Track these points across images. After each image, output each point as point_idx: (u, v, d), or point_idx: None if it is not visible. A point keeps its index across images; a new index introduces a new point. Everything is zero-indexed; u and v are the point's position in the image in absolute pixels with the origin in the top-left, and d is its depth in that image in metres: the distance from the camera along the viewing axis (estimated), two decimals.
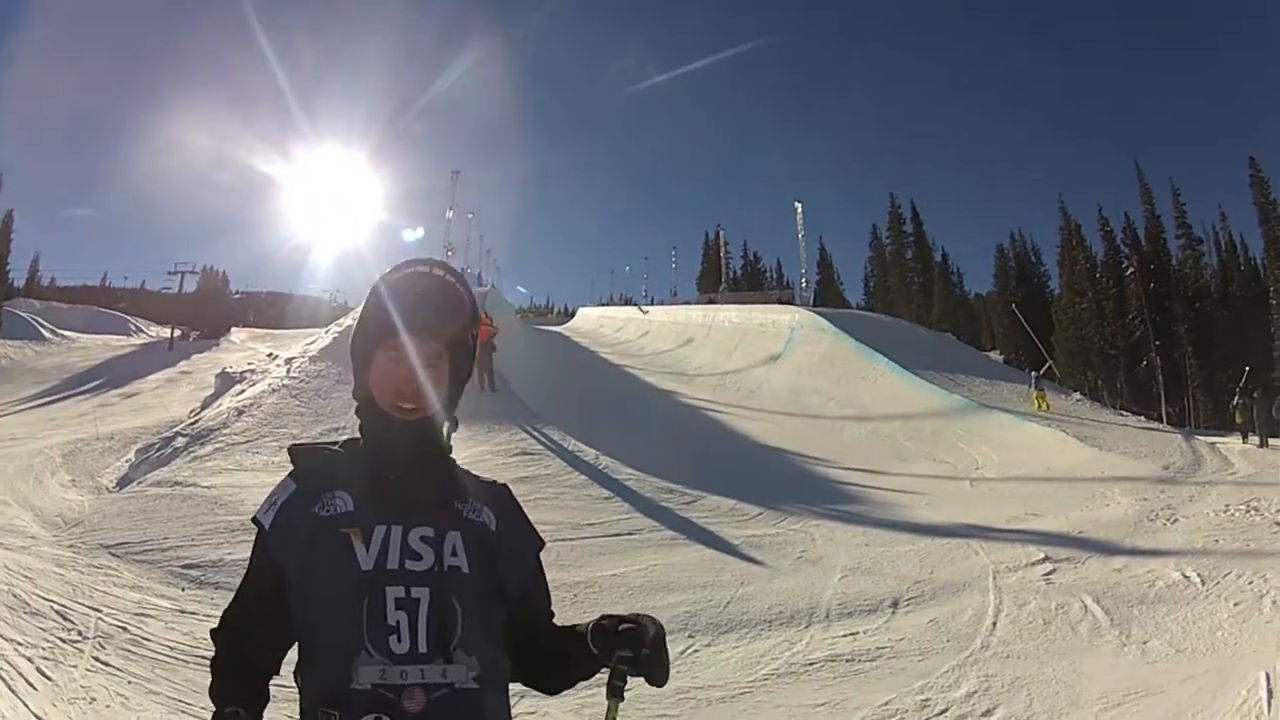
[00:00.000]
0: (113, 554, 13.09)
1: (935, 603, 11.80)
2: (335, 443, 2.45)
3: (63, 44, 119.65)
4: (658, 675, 2.21)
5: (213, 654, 2.40)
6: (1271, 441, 26.38)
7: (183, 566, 12.63)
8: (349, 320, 34.27)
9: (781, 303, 63.48)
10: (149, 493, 16.90)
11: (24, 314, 62.06)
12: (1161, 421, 42.66)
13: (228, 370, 32.15)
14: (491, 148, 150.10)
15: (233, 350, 52.21)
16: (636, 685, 2.27)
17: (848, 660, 9.77)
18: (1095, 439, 26.02)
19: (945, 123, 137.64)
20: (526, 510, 2.60)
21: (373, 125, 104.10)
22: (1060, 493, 19.59)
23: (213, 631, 2.41)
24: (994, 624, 10.77)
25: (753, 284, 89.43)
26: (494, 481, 2.57)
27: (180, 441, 20.59)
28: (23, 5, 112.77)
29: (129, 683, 8.55)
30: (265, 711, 2.32)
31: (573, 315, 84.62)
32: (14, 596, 10.81)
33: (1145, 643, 9.90)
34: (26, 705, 7.77)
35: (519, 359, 32.07)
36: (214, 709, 2.27)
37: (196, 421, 22.96)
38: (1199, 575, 12.03)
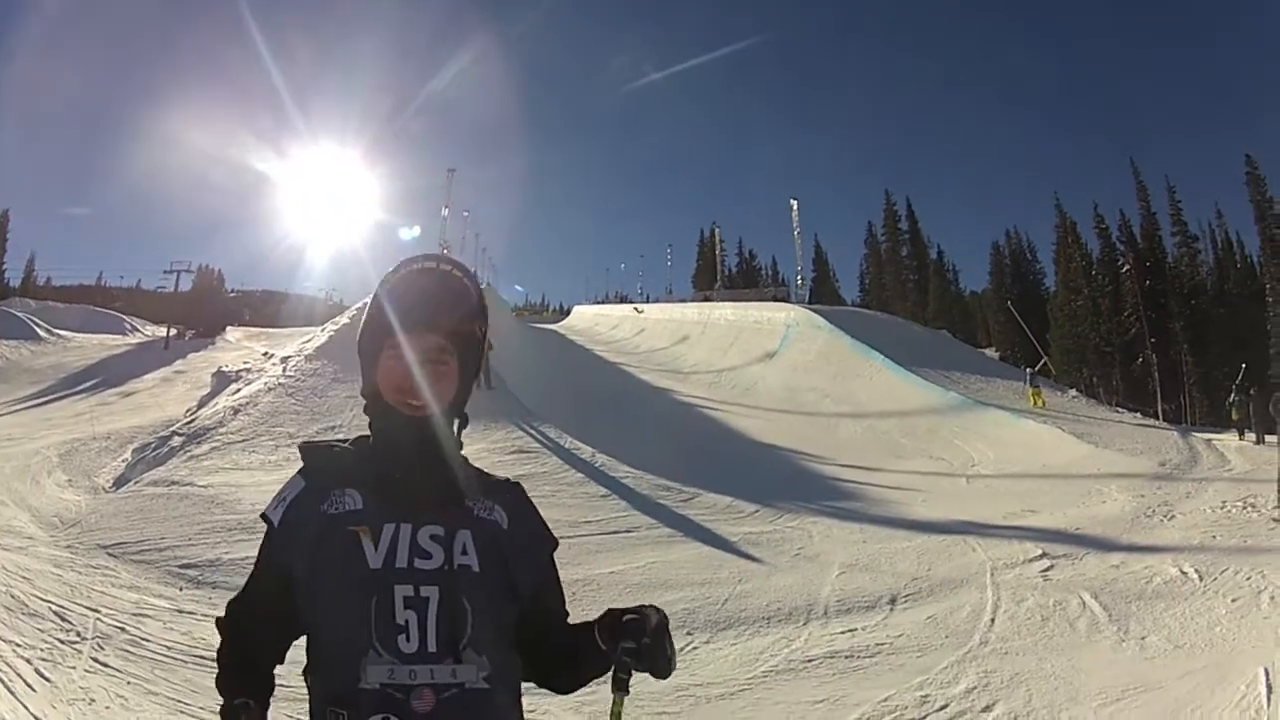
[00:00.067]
0: (110, 554, 13.07)
1: (933, 599, 11.81)
2: (345, 440, 2.42)
3: (58, 43, 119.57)
4: (660, 665, 2.19)
5: (218, 644, 2.39)
6: (1268, 438, 26.28)
7: (180, 566, 12.62)
8: (345, 319, 34.53)
9: (777, 300, 63.40)
10: (146, 492, 16.90)
11: (20, 313, 61.89)
12: (1158, 418, 42.63)
13: (224, 369, 32.20)
14: (487, 146, 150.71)
15: (228, 349, 52.14)
16: (639, 682, 2.24)
17: (846, 657, 9.77)
18: (1091, 436, 26.09)
19: (941, 120, 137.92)
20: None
21: (368, 123, 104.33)
22: (1057, 489, 19.66)
23: (218, 621, 2.40)
24: (992, 620, 10.78)
25: (748, 281, 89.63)
26: (507, 479, 2.54)
27: (177, 441, 20.61)
28: (19, 4, 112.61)
29: (128, 683, 8.51)
30: (271, 702, 2.31)
31: (568, 313, 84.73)
32: (12, 597, 10.77)
33: (1143, 639, 9.90)
34: (26, 707, 7.72)
35: (515, 356, 32.10)
36: (222, 700, 2.25)
37: (193, 421, 22.99)
38: (1196, 571, 12.04)
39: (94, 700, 8.02)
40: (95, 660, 9.03)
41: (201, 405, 26.27)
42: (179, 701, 8.15)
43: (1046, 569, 12.84)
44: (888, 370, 36.60)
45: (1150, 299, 61.37)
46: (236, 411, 22.93)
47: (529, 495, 2.54)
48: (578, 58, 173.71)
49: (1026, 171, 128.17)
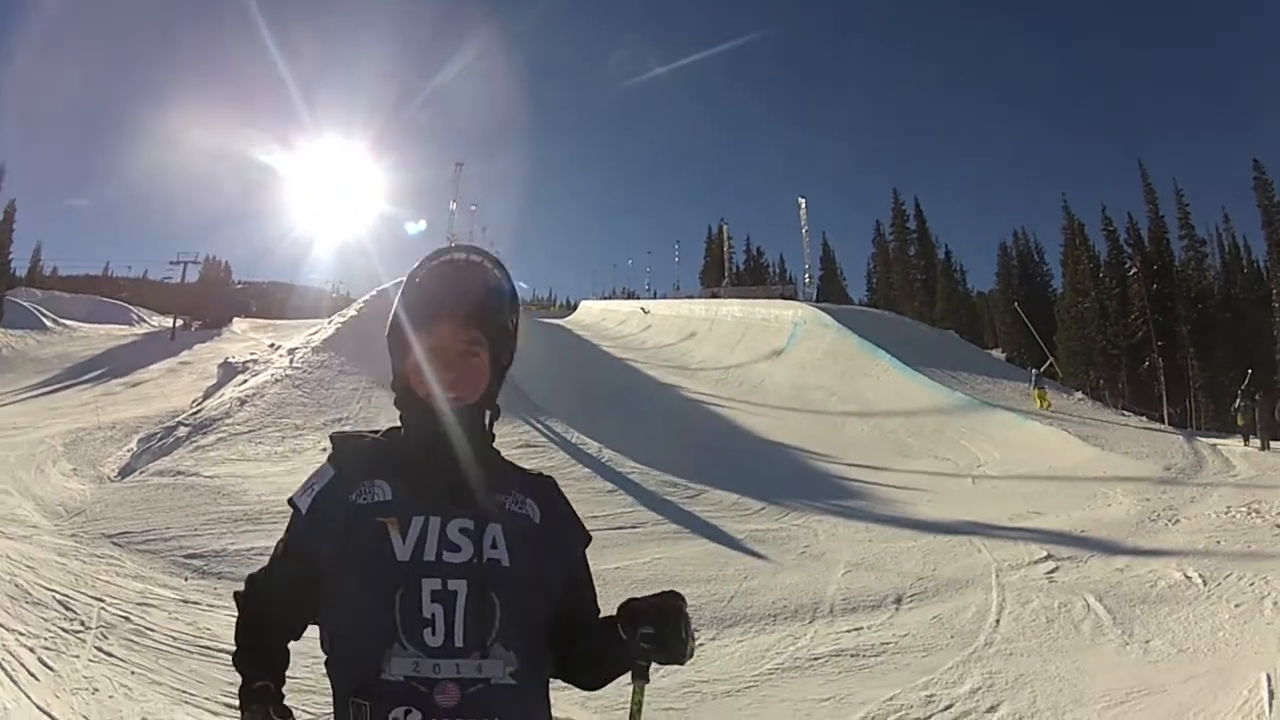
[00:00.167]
0: (115, 543, 13.08)
1: (939, 599, 11.82)
2: (377, 431, 2.43)
3: (66, 36, 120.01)
4: (676, 652, 2.16)
5: (236, 617, 2.41)
6: (1273, 444, 26.39)
7: (186, 556, 12.63)
8: (352, 311, 34.35)
9: (784, 298, 62.99)
10: (151, 482, 16.92)
11: (26, 303, 62.01)
12: (1163, 422, 42.69)
13: (230, 360, 32.18)
14: (493, 140, 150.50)
15: (234, 340, 52.05)
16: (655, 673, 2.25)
17: (852, 655, 9.78)
18: (1097, 438, 26.02)
19: (949, 120, 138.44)
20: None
21: (374, 116, 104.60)
22: (1062, 491, 19.61)
23: (237, 595, 2.42)
24: (997, 621, 10.78)
25: (756, 279, 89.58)
26: (539, 473, 2.52)
27: (182, 431, 20.61)
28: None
29: (132, 673, 8.48)
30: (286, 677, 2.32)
31: (575, 308, 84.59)
32: (16, 586, 10.76)
33: (1147, 642, 9.90)
34: (29, 696, 7.70)
35: (521, 351, 31.44)
36: (241, 677, 2.27)
37: (199, 411, 22.97)
38: (1200, 576, 12.02)
39: (98, 690, 7.99)
40: (99, 650, 9.00)
41: (208, 396, 26.26)
42: (184, 692, 8.10)
43: (1051, 571, 12.83)
44: (895, 370, 36.58)
45: (1157, 302, 61.14)
46: (243, 402, 22.94)
47: (562, 489, 2.52)
48: (582, 52, 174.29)
49: (1034, 172, 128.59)
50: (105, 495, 16.12)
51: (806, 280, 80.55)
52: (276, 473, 17.88)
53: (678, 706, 7.99)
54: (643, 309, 64.73)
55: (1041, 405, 32.85)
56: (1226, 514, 15.89)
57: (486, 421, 2.40)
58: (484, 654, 2.07)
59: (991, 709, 8.23)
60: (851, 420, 31.89)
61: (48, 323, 57.83)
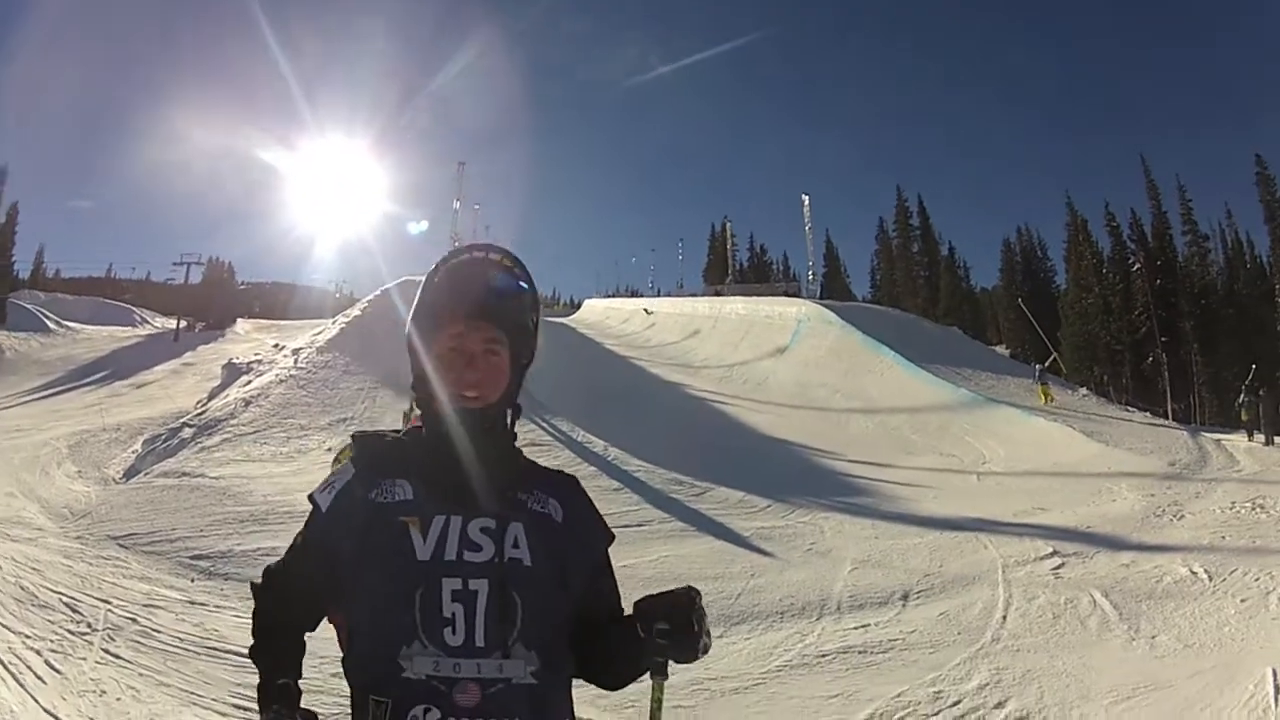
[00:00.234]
0: (121, 545, 13.10)
1: (945, 596, 11.86)
2: (399, 430, 2.41)
3: (68, 37, 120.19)
4: (689, 647, 2.17)
5: (253, 608, 2.42)
6: (1277, 439, 26.34)
7: (191, 557, 12.64)
8: (356, 311, 34.42)
9: (788, 295, 63.17)
10: (156, 484, 16.94)
11: (29, 305, 62.14)
12: (1167, 418, 42.60)
13: (234, 361, 32.27)
14: (497, 139, 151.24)
15: (238, 341, 52.25)
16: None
17: (860, 652, 9.81)
18: (1102, 434, 26.13)
19: (952, 117, 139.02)
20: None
21: (377, 115, 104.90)
22: (1067, 488, 19.66)
23: (254, 586, 2.42)
24: (1004, 617, 10.81)
25: (759, 276, 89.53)
26: (561, 472, 2.50)
27: (187, 432, 20.66)
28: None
29: (139, 675, 8.49)
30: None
31: (579, 307, 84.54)
32: (21, 589, 10.79)
33: (1153, 637, 9.94)
34: (35, 699, 7.72)
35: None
36: (259, 672, 2.29)
37: (203, 412, 23.05)
38: (1206, 571, 12.07)
39: (105, 692, 8.01)
40: (106, 652, 9.01)
41: (212, 397, 26.37)
42: (191, 693, 8.12)
43: (1057, 567, 12.87)
44: (899, 366, 36.59)
45: (1161, 298, 60.95)
46: (248, 403, 22.99)
47: (584, 488, 2.50)
48: (585, 51, 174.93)
49: (1037, 169, 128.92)
50: (110, 497, 16.16)
51: (810, 277, 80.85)
52: (282, 473, 17.90)
53: (686, 704, 7.97)
54: (645, 310, 64.19)
55: (1045, 401, 32.93)
56: (1231, 509, 15.95)
57: (508, 420, 2.37)
58: (505, 654, 2.05)
59: (999, 705, 8.25)
60: (856, 417, 31.91)
61: (51, 325, 57.95)
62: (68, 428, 24.77)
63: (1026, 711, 8.09)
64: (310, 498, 2.30)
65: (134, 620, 10.00)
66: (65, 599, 10.56)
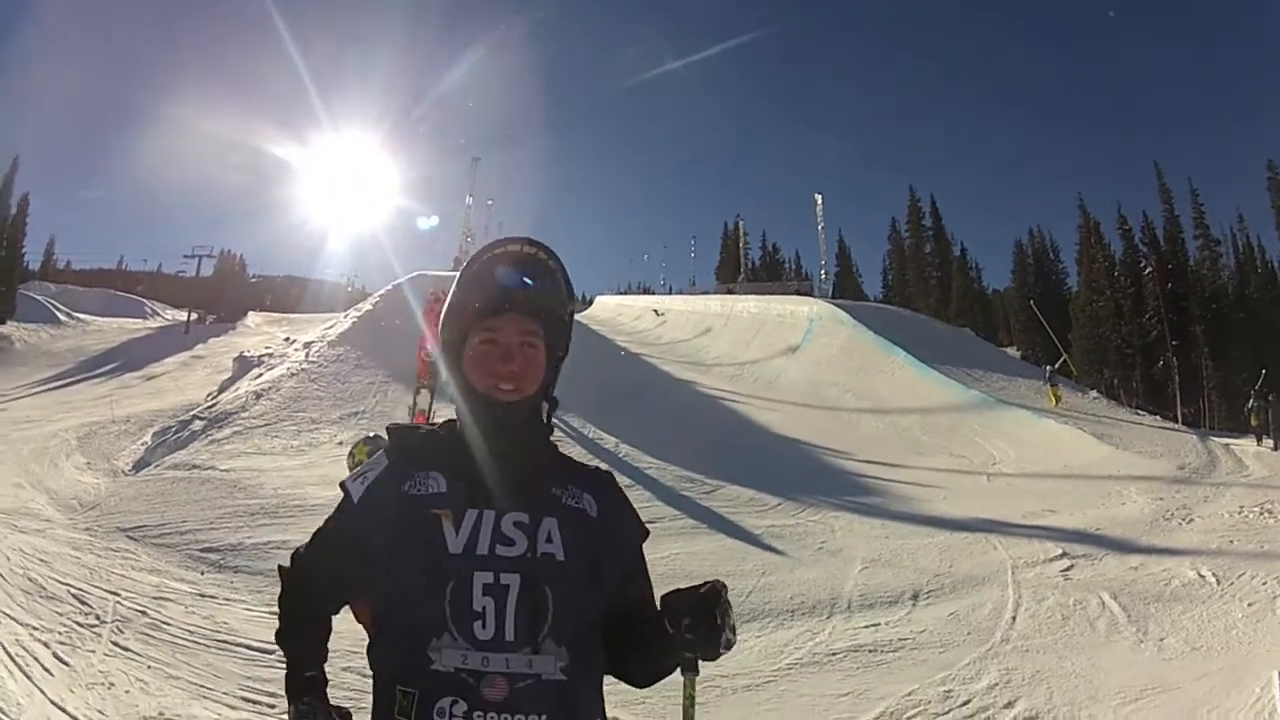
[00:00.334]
0: (130, 537, 13.05)
1: (955, 596, 11.89)
2: (434, 423, 2.45)
3: (79, 28, 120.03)
4: (709, 641, 2.16)
5: (280, 592, 2.45)
6: None
7: (202, 550, 12.59)
8: (368, 305, 34.42)
9: (800, 294, 62.96)
10: (166, 476, 16.88)
11: (39, 297, 62.20)
12: (1177, 422, 42.56)
13: (245, 354, 32.16)
14: (508, 134, 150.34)
15: (249, 334, 52.32)
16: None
17: (870, 651, 9.85)
18: (1112, 437, 26.12)
19: (965, 118, 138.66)
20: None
21: (389, 110, 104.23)
22: (1077, 490, 19.68)
23: (281, 569, 2.46)
24: (1013, 618, 10.84)
25: (771, 275, 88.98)
26: (597, 468, 2.52)
27: (198, 425, 20.61)
28: None
29: (148, 667, 8.49)
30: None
31: (590, 303, 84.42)
32: (29, 580, 10.77)
33: (1162, 640, 9.98)
34: (42, 691, 7.71)
35: None
36: (286, 660, 2.34)
37: (214, 405, 23.00)
38: (1214, 575, 12.09)
39: (113, 684, 8.00)
40: (115, 644, 9.00)
41: (223, 390, 26.33)
42: (201, 686, 8.13)
43: (1067, 568, 12.89)
44: (910, 367, 36.52)
45: (1172, 302, 60.88)
46: (259, 396, 22.93)
47: (619, 484, 2.51)
48: (597, 47, 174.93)
49: (1050, 171, 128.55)
50: (120, 489, 16.11)
51: (822, 277, 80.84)
52: (293, 466, 17.89)
53: (698, 701, 7.83)
54: (655, 310, 63.68)
55: (1055, 403, 32.98)
56: (1239, 514, 15.93)
57: (544, 414, 2.39)
58: (535, 649, 2.06)
59: (1009, 705, 8.29)
60: (867, 417, 31.81)
61: (61, 316, 58.01)
62: (77, 419, 24.76)
63: (1036, 711, 8.14)
64: (342, 485, 2.34)
65: (143, 613, 9.98)
66: (73, 591, 10.53)
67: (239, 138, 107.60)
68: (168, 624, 9.71)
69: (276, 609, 2.43)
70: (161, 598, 10.57)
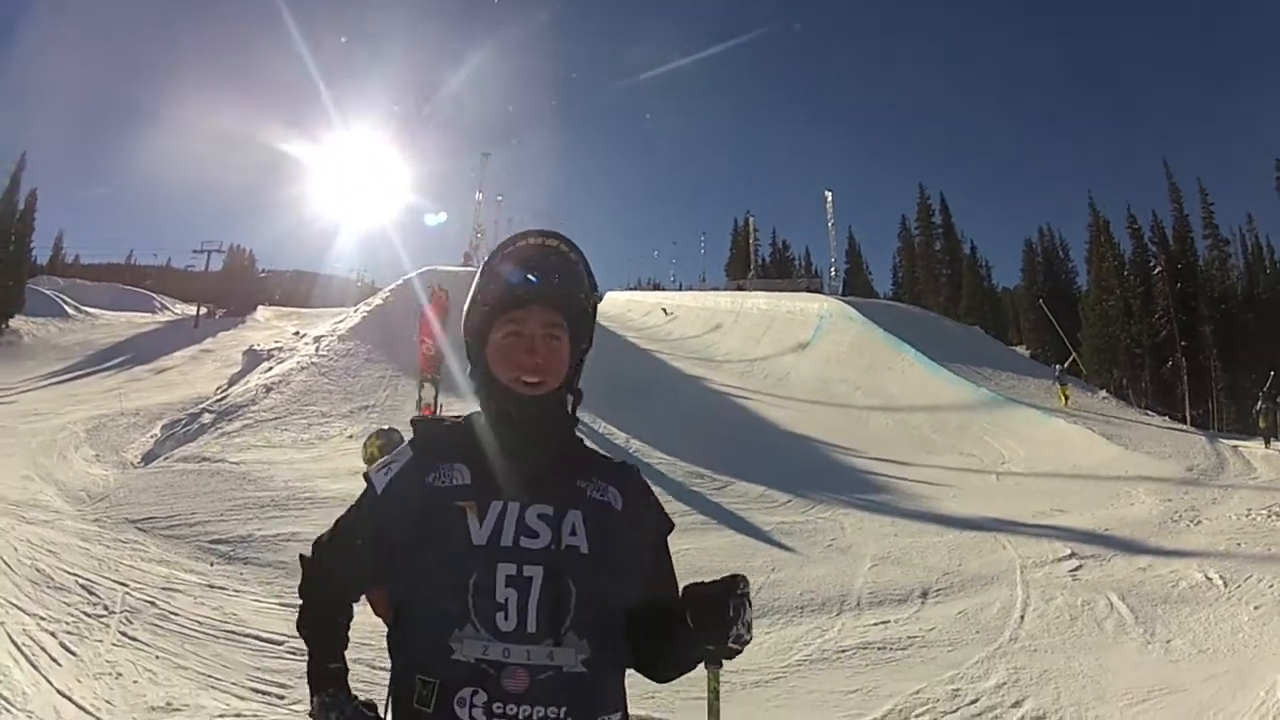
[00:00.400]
0: (139, 529, 13.08)
1: (964, 594, 11.91)
2: (459, 416, 2.43)
3: (88, 23, 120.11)
4: (718, 634, 2.17)
5: (301, 580, 2.45)
6: None
7: (211, 542, 12.63)
8: (378, 300, 34.50)
9: (810, 291, 63.21)
10: (176, 468, 16.96)
11: (47, 291, 62.38)
12: (1185, 423, 42.56)
13: (255, 348, 32.37)
14: (519, 130, 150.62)
15: (258, 328, 52.36)
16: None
17: (879, 648, 9.88)
18: (1121, 437, 26.09)
19: (975, 115, 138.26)
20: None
21: (399, 106, 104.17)
22: (1086, 490, 19.68)
23: (303, 558, 2.46)
24: (1022, 617, 10.86)
25: (781, 272, 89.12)
26: (623, 462, 2.52)
27: (207, 418, 20.71)
28: None
29: (156, 657, 8.50)
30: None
31: (600, 299, 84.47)
32: (37, 571, 10.81)
33: (1169, 641, 9.98)
34: (49, 680, 7.73)
35: None
36: (309, 650, 2.34)
37: (224, 398, 23.11)
38: (1221, 577, 12.07)
39: (121, 674, 8.01)
40: (123, 634, 9.02)
41: (232, 383, 26.44)
42: (209, 676, 8.15)
43: (1075, 569, 12.90)
44: (920, 365, 36.52)
45: (1181, 302, 60.82)
46: (269, 390, 23.04)
47: (644, 478, 2.52)
48: (607, 42, 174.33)
49: (1060, 169, 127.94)
50: (129, 481, 16.16)
51: (832, 274, 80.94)
52: (303, 460, 17.97)
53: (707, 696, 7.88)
54: (663, 309, 63.56)
55: (1064, 402, 33.03)
56: (1247, 516, 15.92)
57: (570, 406, 2.40)
58: (556, 641, 2.07)
59: (1016, 704, 8.31)
60: (876, 414, 31.86)
61: (69, 310, 58.24)
62: (86, 412, 24.81)
63: (1043, 711, 8.15)
64: (366, 476, 2.35)
65: (152, 603, 10.00)
66: (81, 581, 10.56)
67: (248, 133, 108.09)
68: (176, 615, 9.72)
69: (298, 598, 2.43)
70: (170, 589, 10.59)
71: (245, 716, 7.36)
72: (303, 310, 65.94)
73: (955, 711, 8.16)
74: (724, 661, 2.25)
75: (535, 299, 2.28)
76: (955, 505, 18.07)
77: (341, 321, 33.29)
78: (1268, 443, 27.50)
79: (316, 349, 27.45)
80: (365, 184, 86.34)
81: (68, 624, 9.15)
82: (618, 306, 70.47)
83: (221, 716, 7.34)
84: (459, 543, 2.13)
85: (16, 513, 13.62)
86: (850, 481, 20.43)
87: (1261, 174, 67.27)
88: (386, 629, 2.26)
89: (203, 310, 61.99)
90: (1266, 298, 62.35)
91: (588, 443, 2.45)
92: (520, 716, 2.01)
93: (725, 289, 73.42)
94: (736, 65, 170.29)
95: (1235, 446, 26.17)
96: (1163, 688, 8.57)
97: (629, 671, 2.33)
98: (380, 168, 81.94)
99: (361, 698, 2.27)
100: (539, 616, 2.07)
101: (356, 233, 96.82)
